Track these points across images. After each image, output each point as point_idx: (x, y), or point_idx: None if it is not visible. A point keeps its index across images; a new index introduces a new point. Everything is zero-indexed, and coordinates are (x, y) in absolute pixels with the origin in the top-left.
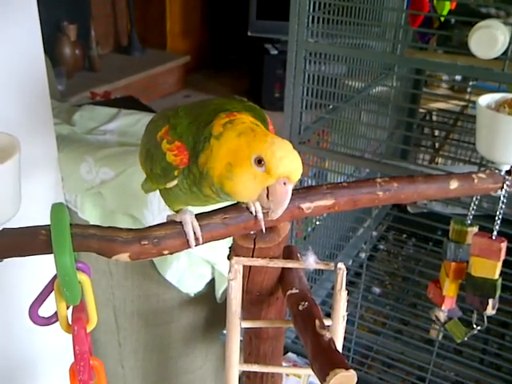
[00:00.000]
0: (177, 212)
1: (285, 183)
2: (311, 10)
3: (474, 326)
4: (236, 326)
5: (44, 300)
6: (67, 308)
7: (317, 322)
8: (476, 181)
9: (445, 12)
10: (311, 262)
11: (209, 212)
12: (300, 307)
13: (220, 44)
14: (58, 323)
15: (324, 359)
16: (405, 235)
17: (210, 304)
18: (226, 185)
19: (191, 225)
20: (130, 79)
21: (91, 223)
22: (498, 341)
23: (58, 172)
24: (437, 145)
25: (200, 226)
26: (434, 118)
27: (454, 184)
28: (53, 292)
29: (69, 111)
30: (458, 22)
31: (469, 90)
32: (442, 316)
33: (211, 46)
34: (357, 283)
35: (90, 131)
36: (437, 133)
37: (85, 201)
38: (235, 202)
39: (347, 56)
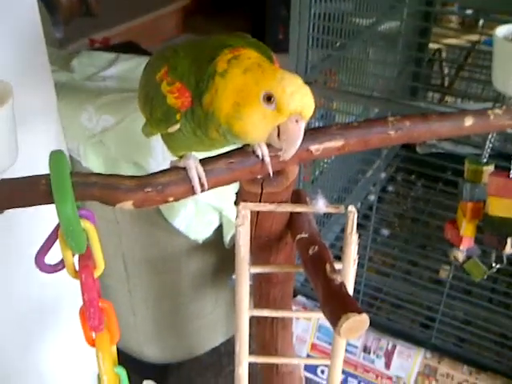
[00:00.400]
0: (180, 157)
1: (297, 120)
2: None
3: (493, 264)
4: (245, 271)
5: (49, 248)
6: (73, 255)
7: (327, 266)
8: (492, 117)
9: None
10: (321, 205)
11: (213, 157)
12: (310, 251)
13: None
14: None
15: (335, 303)
16: (414, 176)
17: (219, 250)
18: (234, 125)
19: (195, 170)
20: (128, 24)
21: (95, 171)
22: (507, 279)
23: (59, 121)
24: (446, 82)
25: (204, 171)
26: (444, 54)
27: (468, 121)
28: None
29: (66, 58)
30: None
31: (480, 23)
32: (461, 256)
33: None
34: (366, 226)
35: (89, 77)
36: (447, 70)
37: (87, 149)
38: (241, 145)
39: None
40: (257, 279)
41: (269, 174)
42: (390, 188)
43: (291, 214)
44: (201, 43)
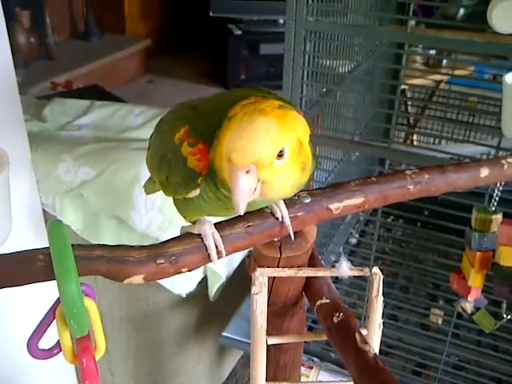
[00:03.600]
0: (193, 223)
1: (248, 172)
2: None
3: (504, 315)
4: (262, 343)
5: (44, 332)
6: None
7: (357, 335)
8: (506, 166)
9: None
10: (345, 269)
11: (229, 220)
12: (335, 319)
13: (181, 25)
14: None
15: (373, 380)
16: (392, 217)
17: (202, 303)
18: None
19: (212, 237)
20: (89, 66)
21: (73, 227)
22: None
23: (33, 173)
24: (412, 121)
25: (221, 237)
26: (409, 94)
27: (484, 172)
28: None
29: (37, 105)
30: None
31: (444, 63)
32: (469, 307)
33: (172, 28)
34: None
35: (64, 127)
36: (411, 110)
37: (64, 203)
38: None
39: (348, 35)
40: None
41: (288, 236)
42: (370, 229)
43: (307, 276)
44: (224, 96)
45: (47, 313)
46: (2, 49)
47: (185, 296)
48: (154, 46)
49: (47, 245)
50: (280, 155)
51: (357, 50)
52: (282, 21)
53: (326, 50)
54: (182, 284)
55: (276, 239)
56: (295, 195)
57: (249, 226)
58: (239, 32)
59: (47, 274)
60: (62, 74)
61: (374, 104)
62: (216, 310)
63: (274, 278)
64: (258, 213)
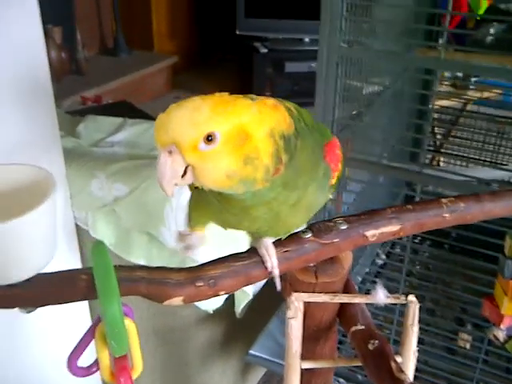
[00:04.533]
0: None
1: (170, 152)
2: (344, 12)
3: None
4: (296, 368)
5: (83, 350)
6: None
7: (393, 364)
8: None
9: (481, 11)
10: (381, 296)
11: None
12: (370, 346)
13: (208, 43)
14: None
15: None
16: (419, 239)
17: (229, 319)
18: None
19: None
20: (118, 82)
21: (106, 242)
22: None
23: (67, 189)
24: (438, 143)
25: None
26: (436, 115)
27: None
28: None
29: (71, 122)
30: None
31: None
32: (502, 335)
33: (199, 45)
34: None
35: (97, 143)
36: (438, 131)
37: (97, 219)
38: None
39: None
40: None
41: (323, 261)
42: (397, 251)
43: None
44: None
45: (87, 331)
46: (42, 66)
47: (211, 312)
48: (180, 62)
49: (78, 257)
50: (209, 140)
51: (385, 73)
52: (307, 39)
53: (356, 73)
54: (210, 300)
55: (311, 264)
56: (331, 221)
57: (286, 251)
58: (265, 50)
59: (89, 294)
60: (91, 89)
61: (400, 126)
62: (242, 326)
63: (309, 302)
64: (295, 238)
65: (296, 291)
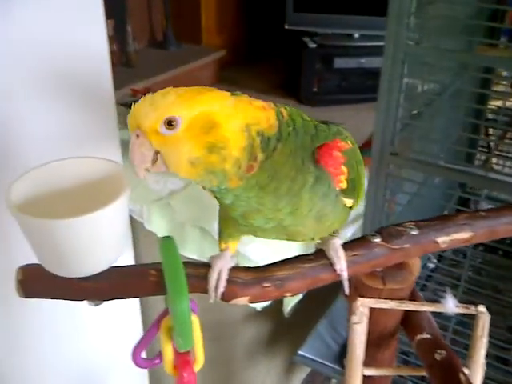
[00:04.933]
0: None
1: (137, 135)
2: (412, 8)
3: None
4: (358, 373)
5: (148, 343)
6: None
7: (461, 376)
8: None
9: None
10: (451, 305)
11: None
12: (437, 357)
13: (256, 38)
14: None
15: None
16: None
17: (276, 318)
18: None
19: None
20: (166, 75)
21: (158, 235)
22: None
23: None
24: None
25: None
26: (490, 116)
27: None
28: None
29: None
30: None
31: None
32: None
33: (247, 40)
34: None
35: None
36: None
37: (152, 211)
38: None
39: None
40: None
41: (390, 266)
42: (448, 255)
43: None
44: None
45: (152, 325)
46: (103, 58)
47: (259, 310)
48: (228, 56)
49: (131, 248)
50: (170, 125)
51: (445, 72)
52: (357, 35)
53: (418, 71)
54: None
55: (379, 269)
56: (401, 225)
57: (354, 255)
58: (314, 45)
59: (158, 289)
60: (140, 81)
61: (457, 127)
62: (288, 326)
63: (375, 308)
64: (364, 242)
65: (361, 296)
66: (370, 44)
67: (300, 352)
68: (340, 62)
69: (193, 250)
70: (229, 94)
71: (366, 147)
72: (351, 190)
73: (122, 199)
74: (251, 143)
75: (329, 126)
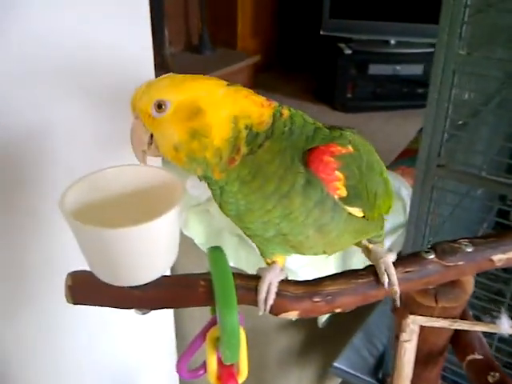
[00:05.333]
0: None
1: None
2: (466, 17)
3: None
4: None
5: (193, 353)
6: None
7: None
8: None
9: None
10: (506, 326)
11: None
12: (490, 379)
13: (291, 43)
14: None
15: None
16: None
17: (310, 328)
18: None
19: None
20: None
21: (196, 241)
22: None
23: None
24: None
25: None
26: None
27: None
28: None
29: None
30: None
31: None
32: None
33: (281, 45)
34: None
35: None
36: None
37: (190, 217)
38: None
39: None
40: None
41: (443, 284)
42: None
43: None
44: None
45: (198, 335)
46: (147, 65)
47: (294, 319)
48: (262, 61)
49: None
50: (160, 108)
51: (492, 81)
52: (393, 41)
53: (466, 81)
54: None
55: (431, 287)
56: (456, 242)
57: (407, 272)
58: (349, 51)
59: (207, 300)
60: None
61: (500, 137)
62: (322, 336)
63: (425, 326)
64: (417, 258)
65: (412, 313)
66: (406, 51)
67: (335, 364)
68: (375, 69)
69: (229, 257)
70: (224, 83)
71: (404, 156)
72: (354, 198)
73: (175, 210)
74: (236, 135)
75: (333, 130)
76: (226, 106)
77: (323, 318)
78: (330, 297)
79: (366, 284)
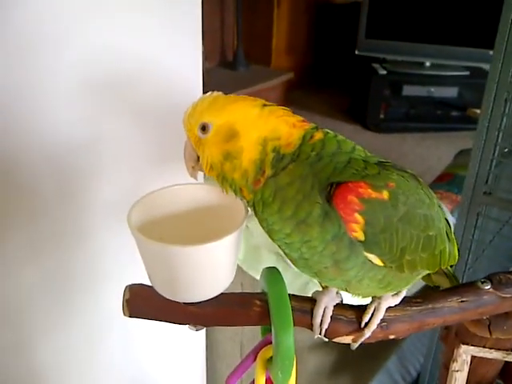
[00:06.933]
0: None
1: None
2: None
3: None
4: None
5: (243, 372)
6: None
7: None
8: None
9: None
10: None
11: (443, 292)
12: None
13: (325, 62)
14: None
15: None
16: None
17: (341, 349)
18: None
19: None
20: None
21: None
22: None
23: None
24: None
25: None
26: None
27: None
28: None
29: None
30: None
31: None
32: None
33: (316, 63)
34: None
35: None
36: None
37: None
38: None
39: None
40: None
41: (496, 315)
42: None
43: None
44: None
45: (248, 354)
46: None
47: (327, 340)
48: (296, 79)
49: None
50: (204, 129)
51: None
52: (428, 63)
53: None
54: None
55: (485, 317)
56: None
57: (462, 302)
58: (384, 72)
59: (261, 320)
60: None
61: None
62: (353, 359)
63: (475, 356)
64: (473, 288)
65: (464, 343)
66: (440, 73)
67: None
68: (409, 90)
69: None
70: (261, 103)
71: (442, 180)
72: (374, 245)
73: (239, 231)
74: (263, 158)
75: (372, 165)
76: (258, 127)
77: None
78: (385, 323)
79: (422, 312)
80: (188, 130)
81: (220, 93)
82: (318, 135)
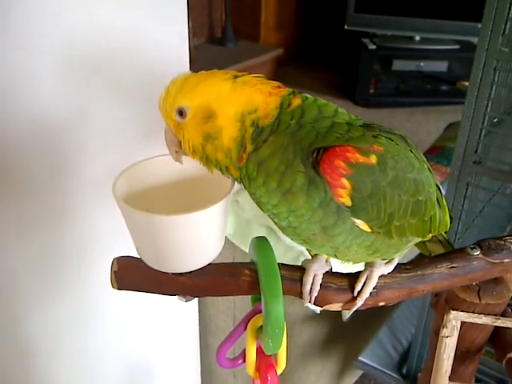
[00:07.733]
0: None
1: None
2: (510, 13)
3: None
4: None
5: (233, 343)
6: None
7: None
8: None
9: None
10: None
11: (432, 259)
12: None
13: (314, 37)
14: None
15: None
16: None
17: (333, 322)
18: None
19: None
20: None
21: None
22: None
23: None
24: None
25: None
26: None
27: None
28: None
29: None
30: None
31: None
32: None
33: (305, 39)
34: None
35: None
36: None
37: None
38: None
39: None
40: None
41: (486, 281)
42: None
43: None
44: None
45: (239, 324)
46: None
47: (318, 312)
48: (285, 55)
49: None
50: (181, 114)
51: None
52: (417, 38)
53: (506, 79)
54: None
55: (474, 283)
56: (502, 239)
57: (452, 268)
58: (373, 47)
59: (250, 289)
60: None
61: None
62: (345, 330)
63: (465, 322)
64: (463, 254)
65: (454, 309)
66: (430, 47)
67: (360, 358)
68: (399, 65)
69: None
70: (231, 76)
71: (431, 153)
72: (361, 211)
73: (226, 200)
74: (243, 134)
75: (357, 127)
76: (233, 103)
77: (347, 313)
78: (374, 290)
79: (411, 278)
80: (166, 117)
81: (189, 71)
82: (296, 101)
